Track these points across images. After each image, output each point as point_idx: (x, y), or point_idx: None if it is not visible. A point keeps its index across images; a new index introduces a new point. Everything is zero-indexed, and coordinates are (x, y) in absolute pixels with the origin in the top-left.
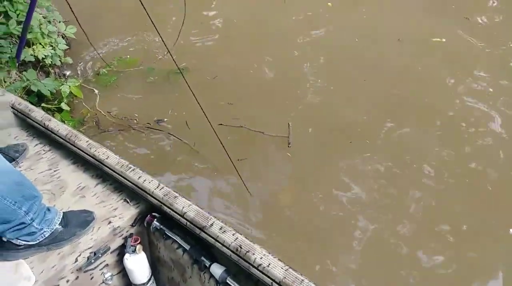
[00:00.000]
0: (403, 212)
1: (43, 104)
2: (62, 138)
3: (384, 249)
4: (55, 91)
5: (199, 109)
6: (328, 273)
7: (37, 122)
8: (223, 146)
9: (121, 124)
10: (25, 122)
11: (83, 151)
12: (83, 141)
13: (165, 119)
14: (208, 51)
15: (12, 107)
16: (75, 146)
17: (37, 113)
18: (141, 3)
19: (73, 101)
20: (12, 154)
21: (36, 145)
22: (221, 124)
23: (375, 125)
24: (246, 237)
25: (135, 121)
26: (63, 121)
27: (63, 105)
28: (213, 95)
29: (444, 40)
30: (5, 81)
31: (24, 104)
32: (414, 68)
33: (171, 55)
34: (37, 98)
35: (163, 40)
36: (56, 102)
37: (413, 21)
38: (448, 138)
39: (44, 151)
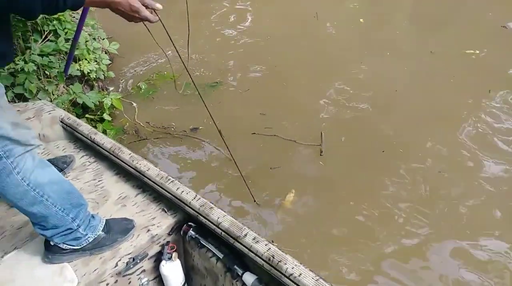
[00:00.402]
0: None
1: (87, 115)
2: (107, 151)
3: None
4: (98, 103)
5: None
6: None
7: (84, 136)
8: (233, 158)
9: (159, 132)
10: (72, 135)
11: (125, 163)
12: (126, 154)
13: (200, 128)
14: (240, 65)
15: (61, 122)
16: (118, 158)
17: (84, 128)
18: (162, 23)
19: (114, 112)
20: (61, 165)
21: (82, 156)
22: (255, 133)
23: (409, 137)
24: (278, 248)
25: (172, 129)
26: (105, 131)
27: (105, 116)
28: (246, 107)
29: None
30: (53, 94)
31: (73, 119)
32: (447, 81)
33: (185, 67)
34: (82, 109)
35: (178, 53)
36: (98, 113)
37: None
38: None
39: (89, 162)
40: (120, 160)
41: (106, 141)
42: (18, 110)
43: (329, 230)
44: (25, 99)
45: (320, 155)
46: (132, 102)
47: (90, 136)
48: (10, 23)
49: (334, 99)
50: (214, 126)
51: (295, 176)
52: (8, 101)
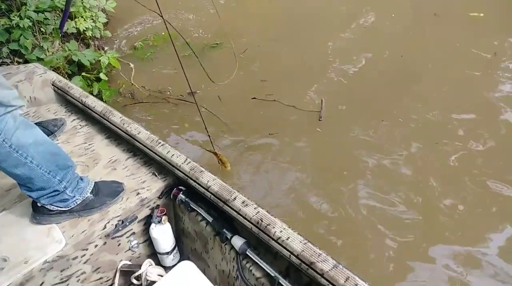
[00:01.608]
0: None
1: (83, 74)
2: (98, 114)
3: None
4: (94, 61)
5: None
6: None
7: (75, 99)
8: (204, 122)
9: (155, 96)
10: (64, 98)
11: (116, 126)
12: (116, 117)
13: (198, 92)
14: (243, 28)
15: (52, 84)
16: (109, 121)
17: (76, 91)
18: None
19: (111, 72)
20: (51, 128)
21: (74, 120)
22: (255, 98)
23: (408, 105)
24: (267, 211)
25: (168, 93)
26: (100, 91)
27: (102, 75)
28: (246, 73)
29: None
30: (48, 51)
31: (64, 82)
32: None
33: (165, 22)
34: (78, 68)
35: (159, 7)
36: (95, 72)
37: None
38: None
39: (80, 125)
40: (111, 123)
41: (97, 104)
42: (10, 73)
43: (317, 199)
44: (21, 56)
45: (319, 120)
46: (130, 63)
47: (82, 100)
48: None
49: (337, 67)
50: (212, 91)
51: (292, 141)
52: (4, 57)
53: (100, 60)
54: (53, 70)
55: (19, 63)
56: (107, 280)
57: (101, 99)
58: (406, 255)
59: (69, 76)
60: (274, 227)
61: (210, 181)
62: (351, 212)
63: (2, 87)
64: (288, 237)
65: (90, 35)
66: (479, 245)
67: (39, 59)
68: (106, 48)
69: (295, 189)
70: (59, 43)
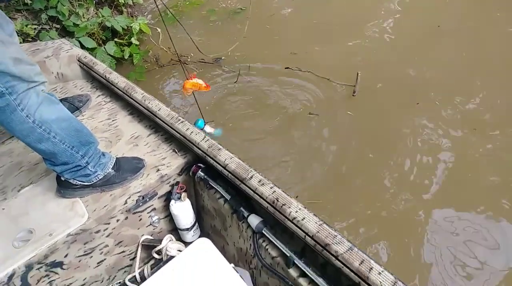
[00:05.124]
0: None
1: (116, 39)
2: (121, 91)
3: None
4: (126, 28)
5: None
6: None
7: (99, 75)
8: (196, 101)
9: (176, 60)
10: (89, 74)
11: (138, 103)
12: (138, 94)
13: (223, 58)
14: None
15: (78, 60)
16: (131, 98)
17: (100, 67)
18: None
19: (142, 37)
20: (77, 104)
21: (99, 96)
22: (288, 67)
23: (448, 90)
24: (283, 191)
25: (188, 57)
26: (131, 55)
27: (133, 40)
28: (277, 41)
29: None
30: (84, 17)
31: (89, 58)
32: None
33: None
34: (111, 33)
35: None
36: (127, 37)
37: None
38: None
39: (105, 101)
40: (134, 100)
41: (120, 81)
42: (38, 49)
43: (346, 173)
44: (58, 22)
45: (353, 95)
46: (157, 28)
47: (105, 76)
48: None
49: (373, 39)
50: (237, 58)
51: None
52: (43, 24)
53: (132, 26)
54: (88, 36)
55: (57, 29)
56: (130, 254)
57: (132, 62)
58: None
59: (103, 42)
60: (289, 207)
61: (228, 159)
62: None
63: (24, 63)
64: (304, 218)
65: (123, 2)
66: None
67: (75, 25)
68: (138, 16)
69: None
70: (93, 10)
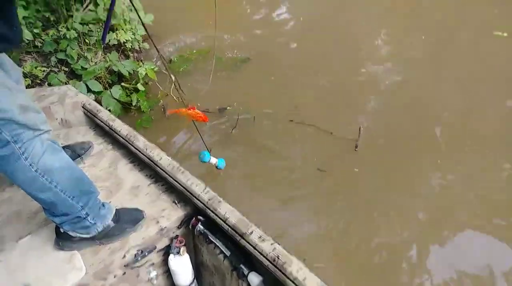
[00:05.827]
0: None
1: (122, 83)
2: (123, 138)
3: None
4: (133, 72)
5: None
6: None
7: (103, 122)
8: (203, 139)
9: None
10: (93, 121)
11: (139, 151)
12: (140, 142)
13: (228, 108)
14: (275, 48)
15: (83, 107)
16: (133, 146)
17: (103, 114)
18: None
19: (148, 83)
20: (79, 151)
21: (101, 143)
22: (292, 120)
23: (450, 143)
24: (284, 248)
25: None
26: (138, 101)
27: (139, 86)
28: (280, 93)
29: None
30: (92, 61)
31: (93, 105)
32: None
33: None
34: (118, 77)
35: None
36: (133, 82)
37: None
38: None
39: (107, 149)
40: (135, 148)
41: (123, 128)
42: (44, 95)
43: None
44: (67, 65)
45: (355, 150)
46: (171, 75)
47: (108, 123)
48: (13, 3)
49: (378, 95)
50: (241, 108)
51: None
52: (52, 66)
53: (138, 71)
54: (95, 79)
55: (65, 72)
56: None
57: (140, 108)
58: None
59: (110, 85)
60: (290, 266)
61: (228, 212)
62: None
63: (30, 110)
64: (305, 278)
65: (130, 47)
66: None
67: (83, 69)
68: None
69: None
70: (101, 54)
